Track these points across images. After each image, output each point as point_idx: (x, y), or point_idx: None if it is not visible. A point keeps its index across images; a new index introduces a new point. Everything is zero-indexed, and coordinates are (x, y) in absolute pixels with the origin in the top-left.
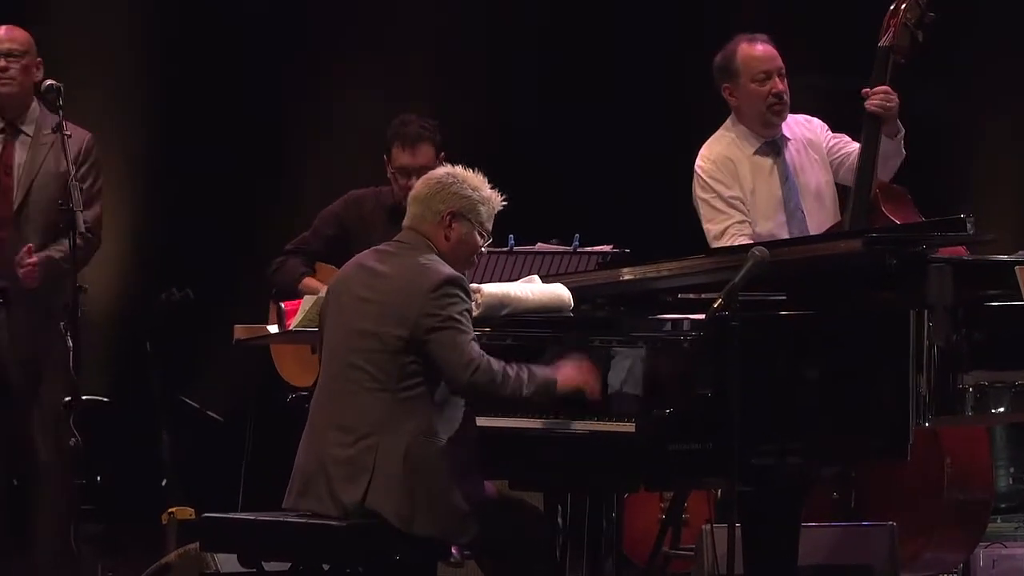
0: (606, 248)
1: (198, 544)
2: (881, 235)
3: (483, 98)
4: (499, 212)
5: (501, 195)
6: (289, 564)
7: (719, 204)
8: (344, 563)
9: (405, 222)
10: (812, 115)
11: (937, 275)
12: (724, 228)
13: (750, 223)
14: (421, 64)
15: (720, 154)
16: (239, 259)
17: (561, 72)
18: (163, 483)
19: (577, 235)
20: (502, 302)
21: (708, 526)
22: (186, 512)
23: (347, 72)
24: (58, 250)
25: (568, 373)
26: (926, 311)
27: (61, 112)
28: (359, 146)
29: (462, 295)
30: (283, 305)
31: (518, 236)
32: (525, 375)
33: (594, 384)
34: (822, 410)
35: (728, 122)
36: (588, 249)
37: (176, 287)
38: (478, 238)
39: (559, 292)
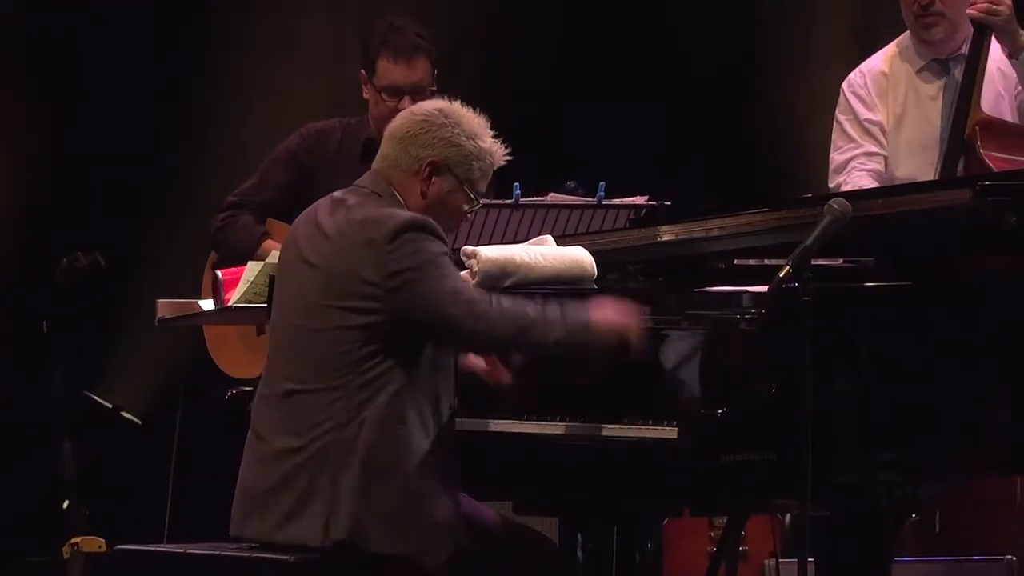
0: (639, 200)
1: None
2: (996, 183)
3: (482, 6)
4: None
5: (505, 147)
6: None
7: (852, 129)
8: None
9: (374, 163)
10: None
11: None
12: (847, 159)
13: (885, 156)
14: None
15: (876, 68)
16: (163, 216)
17: None
18: (64, 505)
19: (602, 183)
20: (504, 270)
21: (772, 561)
22: (94, 543)
23: None
24: None
25: (606, 312)
26: None
27: None
28: (310, 70)
29: (433, 238)
30: (220, 274)
31: (526, 184)
32: (556, 312)
33: (638, 329)
34: (922, 411)
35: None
36: (616, 201)
37: (81, 251)
38: (463, 200)
39: (578, 257)
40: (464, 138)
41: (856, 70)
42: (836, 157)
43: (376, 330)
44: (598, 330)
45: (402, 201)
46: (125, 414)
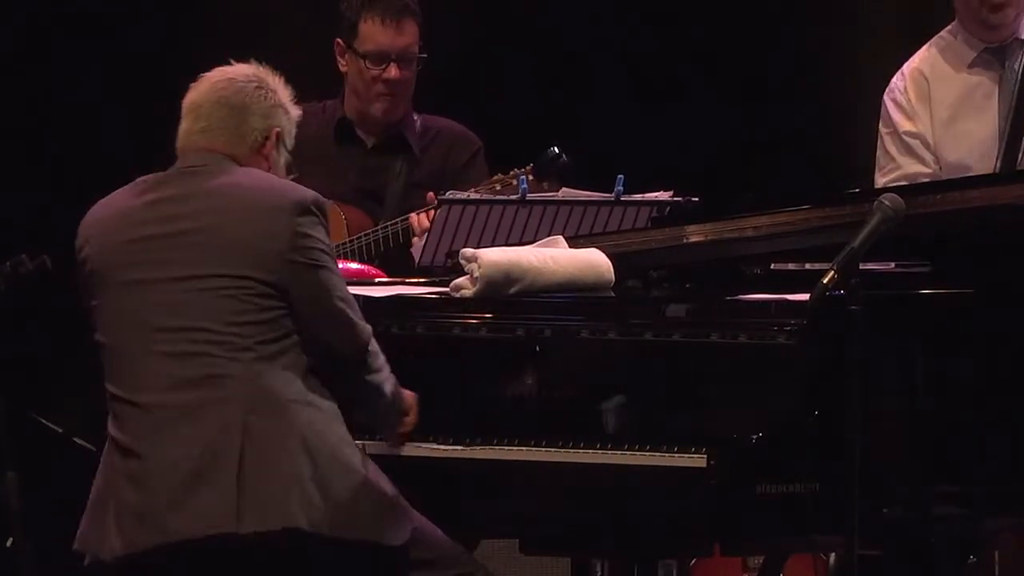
0: (663, 195)
1: None
2: None
3: None
4: (504, 145)
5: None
6: None
7: (892, 145)
8: None
9: (191, 138)
10: None
11: None
12: (886, 184)
13: (933, 174)
14: None
15: (917, 68)
16: None
17: None
18: (8, 543)
19: (620, 176)
20: (509, 275)
21: None
22: None
23: None
24: None
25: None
26: None
27: None
28: (288, 53)
29: (326, 223)
30: None
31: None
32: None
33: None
34: (986, 435)
35: (955, 21)
36: (637, 197)
37: (27, 253)
38: (286, 173)
39: (593, 261)
40: (288, 104)
41: (899, 72)
42: (878, 179)
43: (274, 298)
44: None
45: None
46: (77, 439)
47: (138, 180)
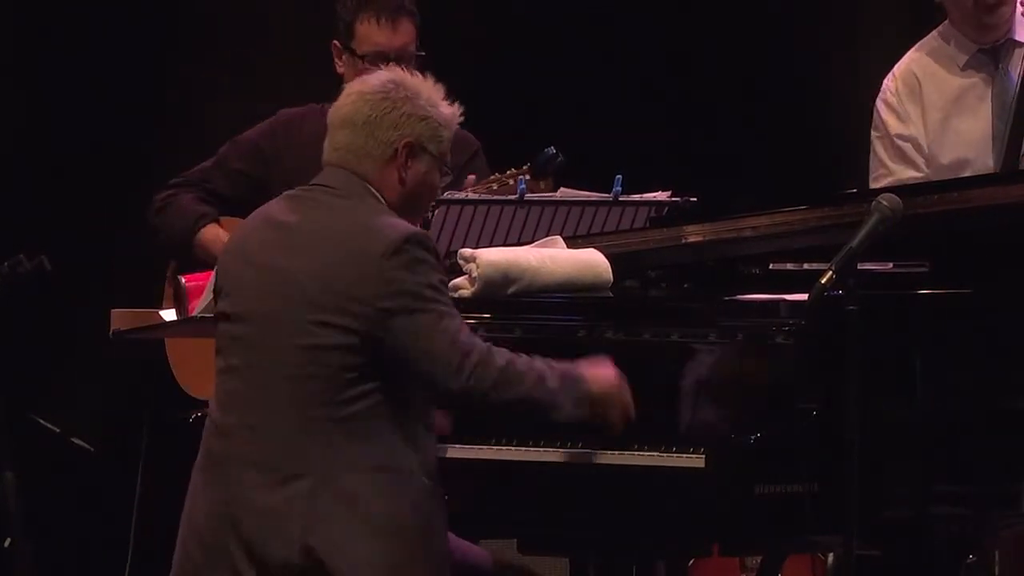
0: (662, 196)
1: None
2: None
3: None
4: (504, 145)
5: (460, 108)
6: None
7: (882, 149)
8: None
9: (328, 156)
10: None
11: None
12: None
13: (925, 178)
14: None
15: (908, 70)
16: (118, 214)
17: None
18: (4, 544)
19: (619, 176)
20: (507, 275)
21: None
22: None
23: None
24: None
25: (603, 377)
26: None
27: None
28: (282, 56)
29: (431, 258)
30: (183, 280)
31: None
32: (548, 372)
33: (627, 407)
34: (985, 435)
35: (945, 22)
36: (635, 197)
37: (25, 254)
38: (438, 177)
39: (591, 261)
40: (428, 107)
41: (890, 74)
42: (870, 184)
43: (358, 352)
44: (597, 398)
45: (380, 198)
46: (76, 440)
47: (284, 194)
